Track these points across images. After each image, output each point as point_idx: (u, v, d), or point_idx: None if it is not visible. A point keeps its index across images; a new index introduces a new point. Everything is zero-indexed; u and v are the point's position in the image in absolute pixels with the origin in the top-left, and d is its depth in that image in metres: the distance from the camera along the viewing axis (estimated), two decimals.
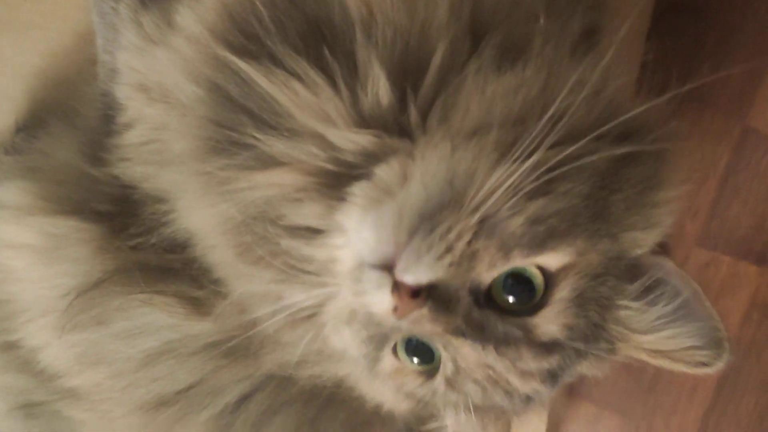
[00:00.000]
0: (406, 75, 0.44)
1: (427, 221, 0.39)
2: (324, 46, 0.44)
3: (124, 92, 0.56)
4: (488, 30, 0.45)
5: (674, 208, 0.47)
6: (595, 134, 0.41)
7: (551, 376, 0.46)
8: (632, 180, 0.44)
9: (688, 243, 1.18)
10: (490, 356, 0.43)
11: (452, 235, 0.39)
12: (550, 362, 0.45)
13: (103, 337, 0.55)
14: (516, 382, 0.45)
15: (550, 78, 0.43)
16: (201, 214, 0.49)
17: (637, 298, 0.46)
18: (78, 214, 0.55)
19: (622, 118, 0.42)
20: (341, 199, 0.43)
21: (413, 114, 0.44)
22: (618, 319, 0.47)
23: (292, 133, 0.44)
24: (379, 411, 0.55)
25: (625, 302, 0.46)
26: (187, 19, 0.49)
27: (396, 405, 0.51)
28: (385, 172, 0.42)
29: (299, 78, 0.44)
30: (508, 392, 0.46)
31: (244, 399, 0.55)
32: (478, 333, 0.42)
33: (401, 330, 0.44)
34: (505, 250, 0.41)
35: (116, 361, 0.56)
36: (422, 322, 0.41)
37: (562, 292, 0.43)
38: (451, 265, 0.40)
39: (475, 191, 0.39)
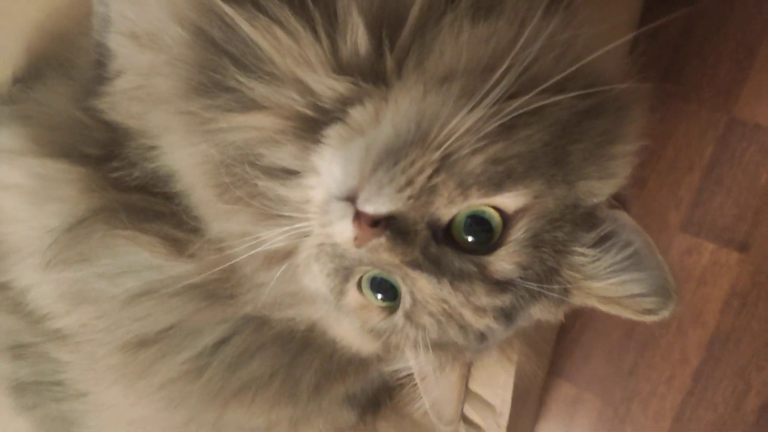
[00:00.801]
0: (384, 24, 0.46)
1: (392, 156, 0.40)
2: None
3: (115, 40, 0.58)
4: None
5: (630, 160, 0.48)
6: (553, 82, 0.42)
7: (505, 315, 0.48)
8: (592, 132, 0.45)
9: (672, 229, 1.19)
10: (445, 289, 0.45)
11: (413, 170, 0.41)
12: (503, 300, 0.47)
13: (87, 275, 0.56)
14: (470, 317, 0.47)
15: (521, 30, 0.44)
16: (183, 152, 0.50)
17: (591, 246, 0.48)
18: (67, 157, 0.57)
19: (576, 66, 0.43)
20: (317, 141, 0.45)
21: (389, 62, 0.45)
22: (572, 265, 0.48)
23: (273, 77, 0.46)
24: (353, 360, 0.57)
25: (579, 249, 0.48)
26: None
27: (362, 344, 0.53)
28: (358, 113, 0.44)
29: (281, 24, 0.45)
30: (463, 327, 0.47)
31: (222, 342, 0.56)
32: (434, 267, 0.44)
33: (362, 262, 0.46)
34: (464, 188, 0.42)
35: (100, 300, 0.57)
36: (380, 252, 0.42)
37: (518, 233, 0.45)
38: (410, 198, 0.41)
39: (438, 130, 0.41)
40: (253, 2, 0.46)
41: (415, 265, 0.44)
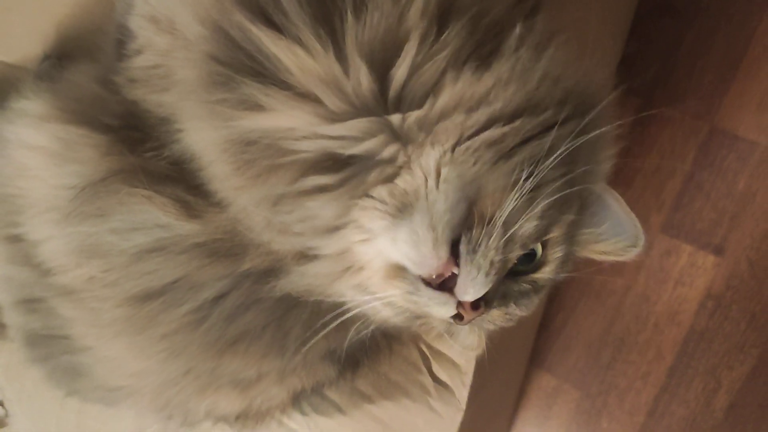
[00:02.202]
0: (385, 60, 0.50)
1: (464, 238, 0.48)
2: (322, 23, 0.49)
3: (136, 22, 0.62)
4: (449, 19, 0.51)
5: (613, 158, 0.58)
6: (561, 119, 0.50)
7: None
8: (586, 148, 0.52)
9: (654, 231, 1.25)
10: (512, 308, 0.56)
11: (492, 253, 0.49)
12: (544, 293, 0.58)
13: (101, 230, 0.61)
14: (523, 313, 0.57)
15: (523, 74, 0.50)
16: (201, 133, 0.54)
17: (589, 225, 0.59)
18: (89, 125, 0.62)
19: (583, 103, 0.51)
20: (354, 194, 0.50)
21: (402, 118, 0.50)
22: (578, 242, 0.59)
23: (288, 87, 0.50)
24: (337, 318, 0.62)
25: (582, 231, 0.58)
26: None
27: (404, 324, 0.60)
28: (403, 181, 0.49)
29: (302, 44, 0.49)
30: (512, 320, 0.58)
31: (221, 296, 0.61)
32: (504, 299, 0.54)
33: (452, 323, 0.54)
34: (524, 246, 0.51)
35: (110, 255, 0.62)
36: (477, 320, 0.52)
37: (558, 252, 0.55)
38: (495, 275, 0.50)
39: (488, 200, 0.48)
40: (276, 20, 0.50)
41: (495, 306, 0.54)
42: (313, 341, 0.60)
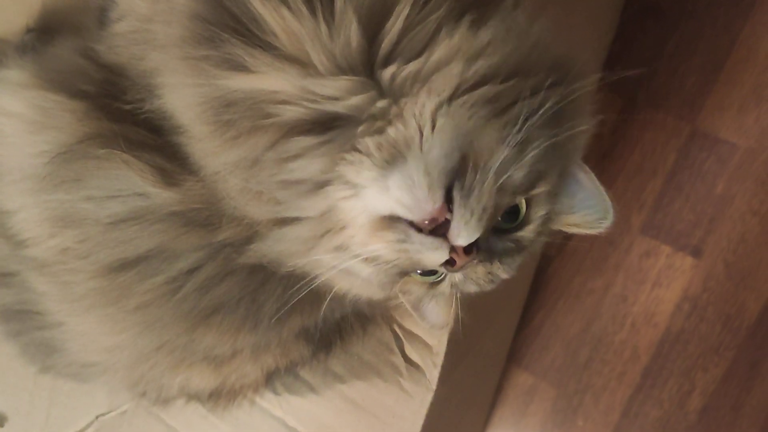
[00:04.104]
0: (378, 21, 0.50)
1: (458, 182, 0.48)
2: None
3: None
4: None
5: (590, 130, 0.58)
6: (551, 81, 0.51)
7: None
8: (568, 116, 0.53)
9: (634, 231, 1.26)
10: (496, 266, 0.56)
11: (484, 198, 0.49)
12: (525, 255, 0.59)
13: (76, 198, 0.60)
14: (504, 273, 0.58)
15: (518, 36, 0.52)
16: (179, 93, 0.54)
17: (566, 196, 0.59)
18: (66, 91, 0.61)
19: (565, 69, 0.52)
20: (342, 149, 0.49)
21: (391, 65, 0.50)
22: (555, 211, 0.59)
23: (273, 50, 0.50)
24: (309, 293, 0.62)
25: (561, 199, 0.59)
26: None
27: (376, 295, 0.61)
28: (394, 131, 0.49)
29: (287, 5, 0.49)
30: (494, 282, 0.58)
31: (197, 267, 0.61)
32: (490, 254, 0.55)
33: (443, 272, 0.56)
34: (512, 196, 0.52)
35: (85, 224, 0.61)
36: (469, 268, 0.53)
37: (541, 211, 0.56)
38: (487, 221, 0.50)
39: (481, 151, 0.49)
40: None
41: (483, 261, 0.54)
42: (285, 309, 0.60)
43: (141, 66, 0.59)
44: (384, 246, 0.51)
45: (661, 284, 1.26)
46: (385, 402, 0.75)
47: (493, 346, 1.15)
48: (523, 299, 1.30)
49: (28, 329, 0.75)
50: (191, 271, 0.62)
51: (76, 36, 0.71)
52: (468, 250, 0.51)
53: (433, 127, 0.49)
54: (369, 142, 0.49)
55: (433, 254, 0.50)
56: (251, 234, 0.58)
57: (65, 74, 0.64)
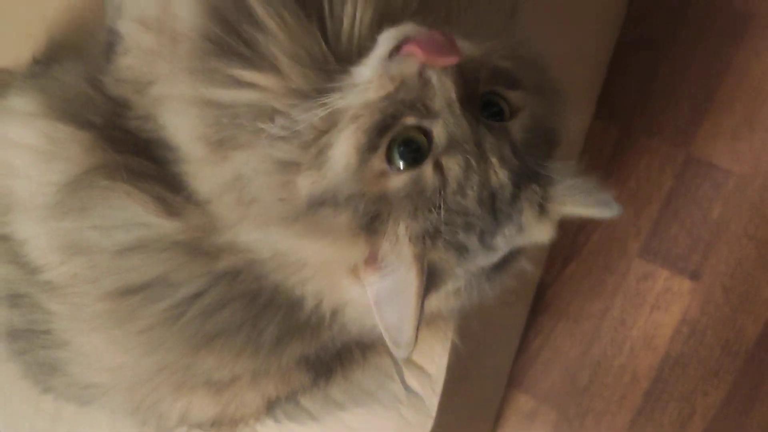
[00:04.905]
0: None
1: None
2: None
3: (125, 26, 0.64)
4: None
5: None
6: None
7: (514, 190, 0.55)
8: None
9: (631, 255, 1.28)
10: (482, 133, 0.53)
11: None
12: (518, 163, 0.54)
13: (83, 226, 0.62)
14: (496, 164, 0.53)
15: None
16: (181, 115, 0.57)
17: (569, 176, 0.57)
18: (75, 122, 0.63)
19: None
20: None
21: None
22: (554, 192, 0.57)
23: (268, 60, 0.53)
24: (310, 321, 0.64)
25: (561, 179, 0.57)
26: None
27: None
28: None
29: (288, 11, 0.53)
30: (485, 185, 0.54)
31: (200, 293, 0.63)
32: (474, 119, 0.53)
33: (419, 100, 0.52)
34: (495, 80, 0.54)
35: (92, 252, 0.63)
36: (445, 79, 0.50)
37: (524, 116, 0.55)
38: (471, 60, 0.51)
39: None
40: None
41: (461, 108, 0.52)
42: (285, 336, 0.61)
43: (143, 98, 0.62)
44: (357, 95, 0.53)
45: (660, 308, 1.27)
46: (385, 429, 0.76)
47: (493, 371, 1.16)
48: (522, 323, 1.31)
49: (34, 348, 0.77)
50: (194, 297, 0.63)
51: (81, 61, 0.73)
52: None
53: None
54: None
55: (409, 45, 0.51)
56: (250, 261, 0.60)
57: (73, 103, 0.66)
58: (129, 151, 0.62)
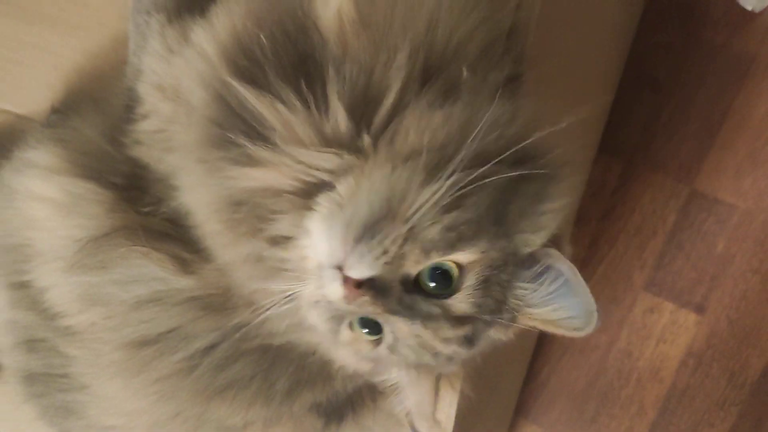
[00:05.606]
0: (363, 106, 0.56)
1: (369, 231, 0.51)
2: (302, 79, 0.55)
3: (144, 89, 0.68)
4: (434, 75, 0.57)
5: (558, 216, 0.58)
6: (496, 160, 0.53)
7: (467, 341, 0.58)
8: (524, 194, 0.56)
9: (636, 289, 1.29)
10: (418, 328, 0.56)
11: (387, 242, 0.52)
12: (465, 330, 0.57)
13: (103, 281, 0.65)
14: (439, 346, 0.57)
15: (471, 115, 0.55)
16: (198, 192, 0.60)
17: (530, 281, 0.58)
18: (96, 180, 0.66)
19: (518, 147, 0.54)
20: (310, 208, 0.54)
21: (366, 140, 0.55)
22: (516, 296, 0.58)
23: (274, 144, 0.56)
24: (321, 372, 0.66)
25: (521, 284, 0.58)
26: (200, 37, 0.61)
27: (358, 366, 0.63)
28: (342, 186, 0.54)
29: (283, 102, 0.55)
30: (435, 354, 0.58)
31: (212, 346, 0.65)
32: (408, 312, 0.55)
33: (352, 312, 0.56)
34: (426, 251, 0.53)
35: (110, 303, 0.66)
36: (365, 305, 0.53)
37: (470, 281, 0.55)
38: (385, 263, 0.52)
39: (406, 206, 0.52)
40: (263, 80, 0.56)
41: (394, 312, 0.54)
42: (296, 386, 0.63)
43: (161, 167, 0.64)
44: (311, 284, 0.55)
45: (666, 340, 1.28)
46: None
47: (501, 404, 1.17)
48: (528, 356, 1.32)
49: (51, 391, 0.79)
50: (207, 350, 0.66)
51: (100, 112, 0.76)
52: (359, 285, 0.52)
53: (374, 184, 0.53)
54: (324, 198, 0.54)
55: (331, 285, 0.53)
56: (262, 317, 0.62)
57: (93, 159, 0.69)
58: (147, 211, 0.65)
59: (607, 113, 1.26)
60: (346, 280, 0.52)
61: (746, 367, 1.24)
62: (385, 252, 0.52)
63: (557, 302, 0.57)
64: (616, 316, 1.30)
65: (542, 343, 1.35)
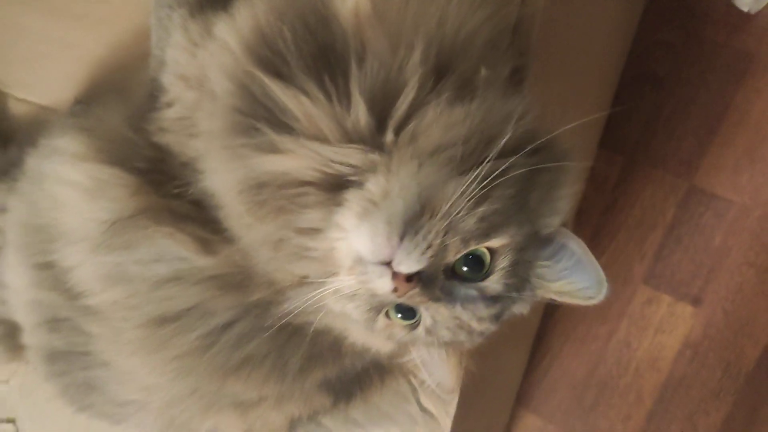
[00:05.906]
0: (382, 101, 0.59)
1: (411, 227, 0.55)
2: (325, 73, 0.59)
3: (168, 79, 0.71)
4: (447, 71, 0.60)
5: (570, 201, 0.63)
6: (520, 153, 0.57)
7: (496, 317, 0.64)
8: (541, 183, 0.60)
9: (636, 281, 1.32)
10: (458, 311, 0.61)
11: (430, 236, 0.56)
12: (496, 308, 0.63)
13: (127, 261, 0.68)
14: (475, 324, 0.62)
15: (488, 111, 0.59)
16: (221, 175, 0.63)
17: (548, 258, 0.63)
18: (120, 166, 0.69)
19: (539, 141, 0.59)
20: (338, 204, 0.58)
21: (390, 135, 0.59)
22: (537, 274, 0.64)
23: (296, 133, 0.59)
24: (332, 349, 0.70)
25: (541, 262, 0.63)
26: (223, 32, 0.64)
27: (383, 347, 0.68)
28: (372, 184, 0.57)
29: (306, 94, 0.58)
30: (469, 332, 0.63)
31: (229, 324, 0.68)
32: (449, 297, 0.60)
33: (395, 301, 0.61)
34: (465, 241, 0.57)
35: (133, 282, 0.69)
36: (414, 297, 0.58)
37: (503, 263, 0.60)
38: (431, 257, 0.56)
39: (441, 201, 0.56)
40: (287, 71, 0.59)
41: (437, 299, 0.59)
42: (308, 363, 0.67)
43: (186, 151, 0.67)
44: (352, 278, 0.58)
45: (664, 331, 1.31)
46: None
47: (502, 391, 1.21)
48: (530, 344, 1.36)
49: (73, 369, 0.82)
50: (225, 328, 0.69)
51: (123, 102, 0.79)
52: (409, 278, 0.56)
53: (404, 181, 0.56)
54: (353, 195, 0.57)
55: (380, 281, 0.56)
56: (279, 296, 0.66)
57: (117, 146, 0.72)
58: (171, 194, 0.68)
59: (609, 110, 1.29)
60: (396, 275, 0.56)
61: (741, 357, 1.27)
62: (429, 246, 0.56)
63: (572, 276, 0.63)
64: (615, 308, 1.33)
65: (543, 333, 1.38)
